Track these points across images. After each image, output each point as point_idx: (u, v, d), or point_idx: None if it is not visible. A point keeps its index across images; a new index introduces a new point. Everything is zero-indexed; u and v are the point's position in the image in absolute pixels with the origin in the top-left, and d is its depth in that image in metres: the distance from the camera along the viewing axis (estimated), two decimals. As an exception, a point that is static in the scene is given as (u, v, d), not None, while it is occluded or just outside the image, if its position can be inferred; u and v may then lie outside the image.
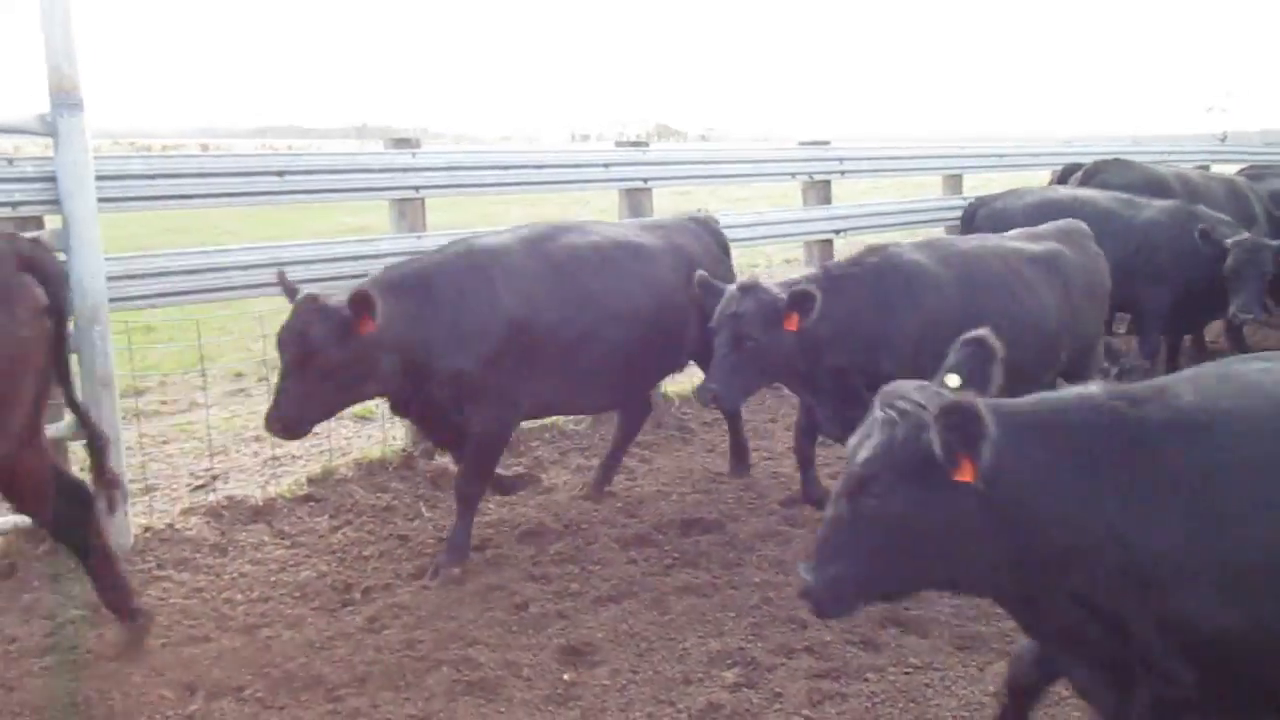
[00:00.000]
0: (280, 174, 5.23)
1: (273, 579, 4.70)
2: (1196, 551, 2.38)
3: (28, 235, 4.52)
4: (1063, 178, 9.11)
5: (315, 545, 5.07)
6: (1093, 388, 2.68)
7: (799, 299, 4.46)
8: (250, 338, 8.82)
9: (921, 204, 8.84)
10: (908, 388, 2.64)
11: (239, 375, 8.40)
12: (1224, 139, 14.31)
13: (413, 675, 3.86)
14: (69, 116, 4.34)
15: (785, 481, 5.85)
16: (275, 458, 6.35)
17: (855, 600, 2.74)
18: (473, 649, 4.04)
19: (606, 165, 6.68)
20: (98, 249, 4.53)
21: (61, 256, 4.51)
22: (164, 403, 7.79)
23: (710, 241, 5.79)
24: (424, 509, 5.52)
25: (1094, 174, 8.52)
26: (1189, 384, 2.61)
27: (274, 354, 4.49)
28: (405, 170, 5.70)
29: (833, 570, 2.61)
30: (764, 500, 5.68)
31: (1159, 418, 2.50)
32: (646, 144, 6.97)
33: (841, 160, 8.13)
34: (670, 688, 3.80)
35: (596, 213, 8.78)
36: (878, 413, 2.60)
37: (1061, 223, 6.02)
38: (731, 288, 4.60)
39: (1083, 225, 6.02)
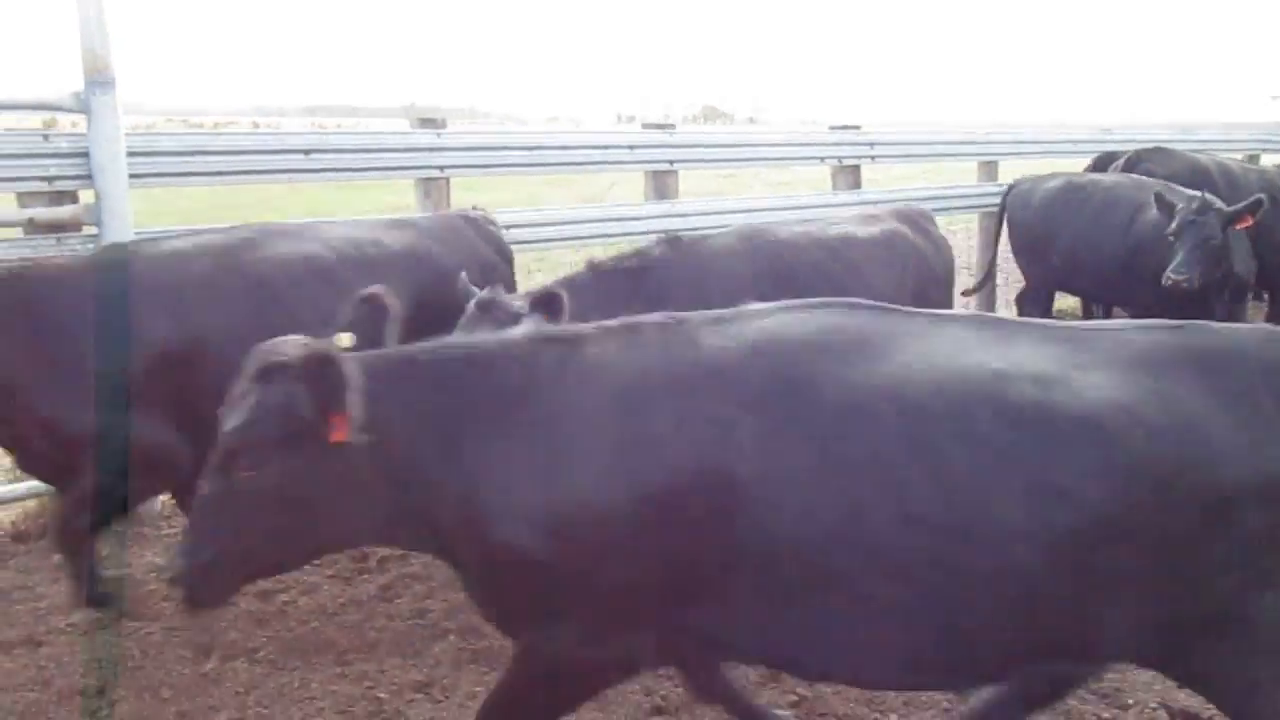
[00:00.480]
0: (306, 152, 5.34)
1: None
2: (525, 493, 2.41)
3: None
4: (1098, 166, 8.95)
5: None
6: (518, 332, 2.70)
7: (544, 302, 3.71)
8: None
9: (953, 190, 8.72)
10: (283, 343, 2.45)
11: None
12: None
13: (420, 643, 3.97)
14: (101, 94, 4.48)
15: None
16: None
17: (234, 585, 2.59)
18: (479, 619, 4.14)
19: (632, 147, 6.71)
20: (129, 223, 4.66)
21: (94, 230, 4.69)
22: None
23: (479, 245, 4.82)
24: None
25: (1136, 163, 8.34)
26: (600, 337, 2.59)
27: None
28: (430, 150, 5.79)
29: (208, 554, 2.39)
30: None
31: (545, 365, 2.51)
32: (673, 126, 6.99)
33: (873, 145, 8.07)
34: (670, 663, 3.87)
35: (627, 194, 8.82)
36: (245, 373, 2.41)
37: (899, 205, 5.92)
38: (470, 304, 3.85)
39: (923, 209, 5.94)
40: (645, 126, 7.08)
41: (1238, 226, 6.15)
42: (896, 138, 8.44)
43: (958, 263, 6.44)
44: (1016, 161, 9.52)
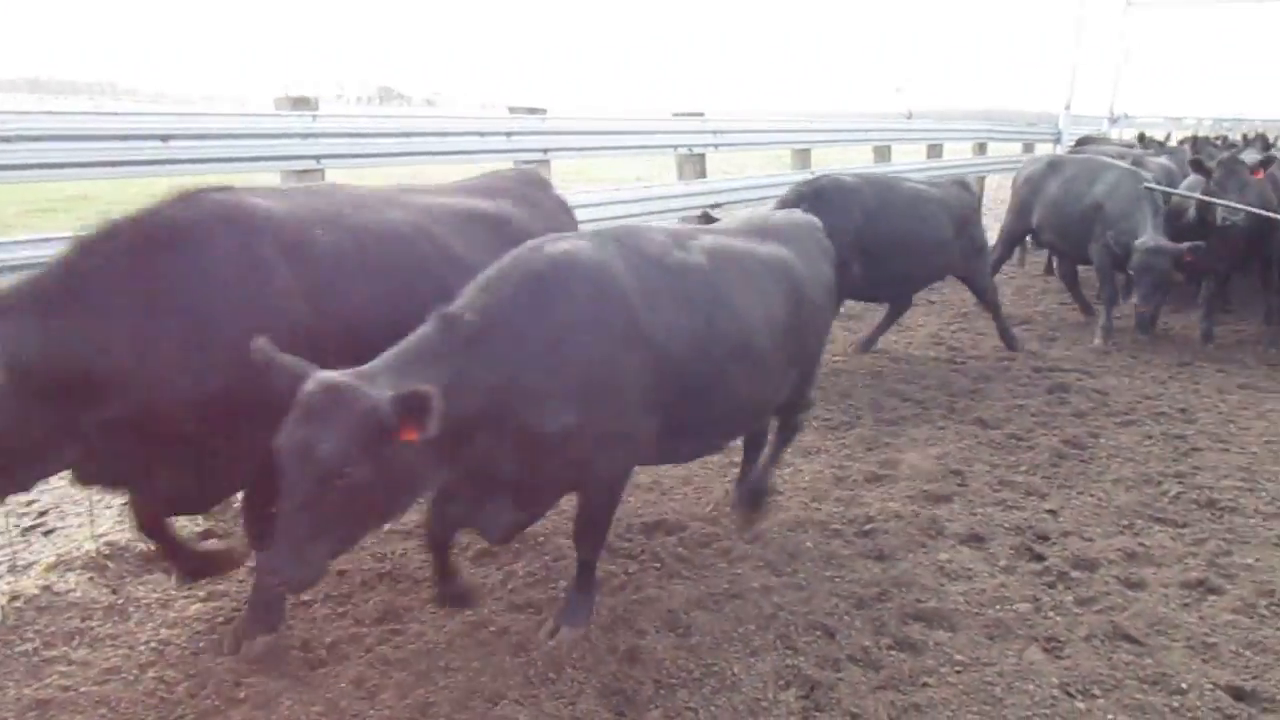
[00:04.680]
0: (165, 139, 4.17)
1: (203, 643, 3.79)
2: None
3: None
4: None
5: (236, 594, 4.17)
6: None
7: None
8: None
9: (787, 178, 8.78)
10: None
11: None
12: (910, 117, 15.46)
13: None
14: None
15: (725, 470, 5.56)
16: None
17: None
18: (500, 706, 3.43)
19: (509, 134, 6.03)
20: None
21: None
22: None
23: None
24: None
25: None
26: None
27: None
28: (305, 136, 4.77)
29: None
30: (709, 493, 5.37)
31: None
32: (544, 111, 6.37)
33: (716, 133, 7.90)
34: (740, 721, 3.42)
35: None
36: None
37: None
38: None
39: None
40: (514, 111, 6.39)
41: None
42: (739, 125, 8.32)
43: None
44: (825, 150, 9.77)
